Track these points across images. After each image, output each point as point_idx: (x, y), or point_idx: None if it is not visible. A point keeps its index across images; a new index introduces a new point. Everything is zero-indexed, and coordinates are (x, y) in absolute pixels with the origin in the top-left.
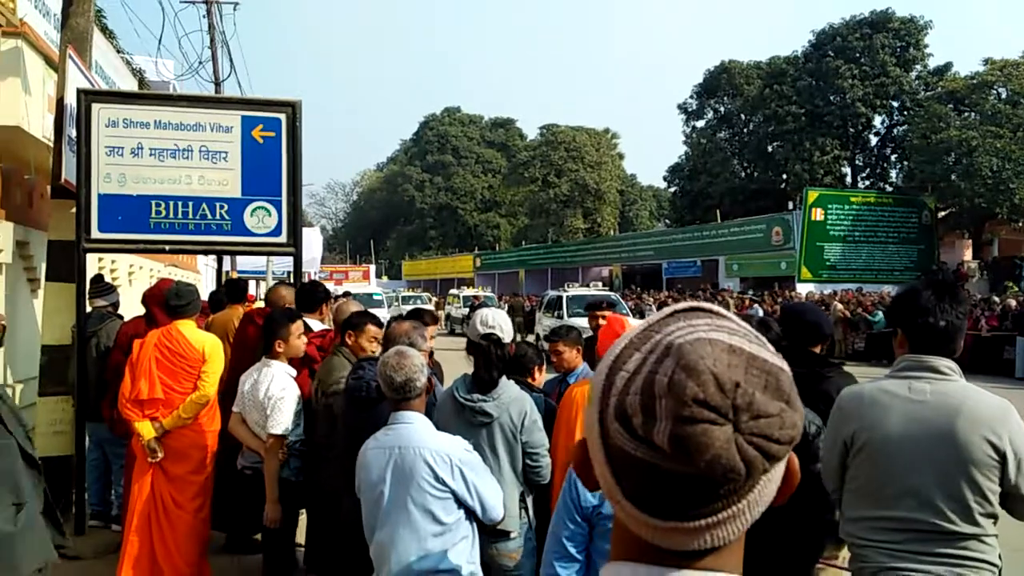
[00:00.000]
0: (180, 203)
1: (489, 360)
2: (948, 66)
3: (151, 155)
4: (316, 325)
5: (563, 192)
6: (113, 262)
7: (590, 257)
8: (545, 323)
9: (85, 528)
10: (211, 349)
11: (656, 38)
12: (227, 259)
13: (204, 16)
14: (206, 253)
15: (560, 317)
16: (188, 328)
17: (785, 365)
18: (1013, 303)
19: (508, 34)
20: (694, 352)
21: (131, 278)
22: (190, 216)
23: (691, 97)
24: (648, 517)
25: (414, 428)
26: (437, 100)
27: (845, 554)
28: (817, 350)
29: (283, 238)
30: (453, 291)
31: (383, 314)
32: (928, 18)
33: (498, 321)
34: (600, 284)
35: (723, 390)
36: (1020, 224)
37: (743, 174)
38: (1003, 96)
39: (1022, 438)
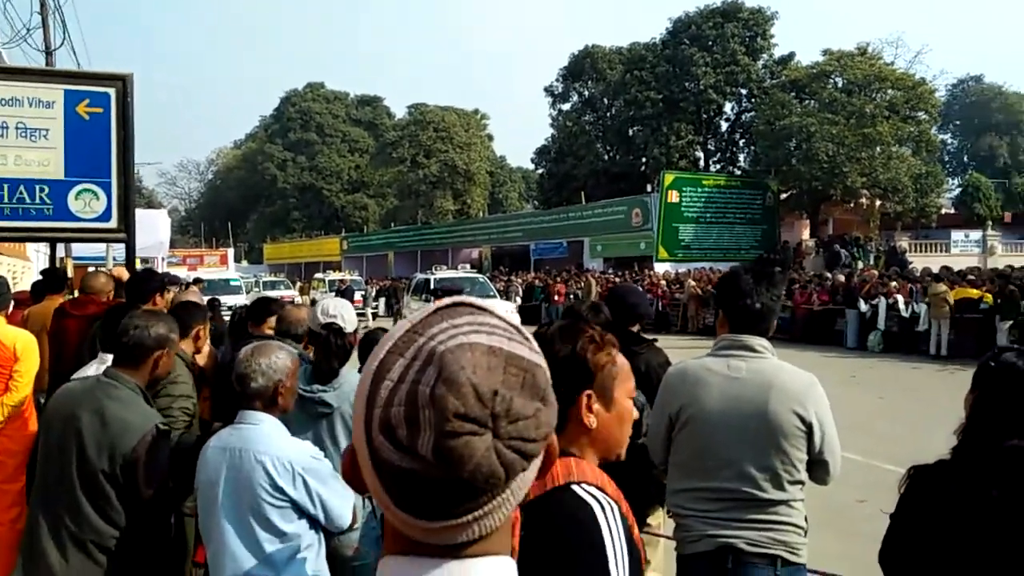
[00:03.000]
0: None
1: (329, 350)
2: (791, 56)
3: None
4: None
5: (432, 173)
6: None
7: (460, 239)
8: (413, 306)
9: None
10: (23, 347)
11: (524, 19)
12: (60, 244)
13: None
14: (25, 240)
15: (428, 300)
16: None
17: (542, 360)
18: (842, 278)
19: (374, 8)
20: (455, 362)
21: None
22: (5, 200)
23: (557, 80)
24: (417, 520)
25: (259, 431)
26: (298, 75)
27: (660, 519)
28: (635, 328)
29: (113, 223)
30: (318, 275)
31: (240, 301)
32: (774, 9)
33: (339, 311)
34: (468, 266)
35: (482, 400)
36: (852, 206)
37: (606, 157)
38: (839, 85)
39: (825, 409)
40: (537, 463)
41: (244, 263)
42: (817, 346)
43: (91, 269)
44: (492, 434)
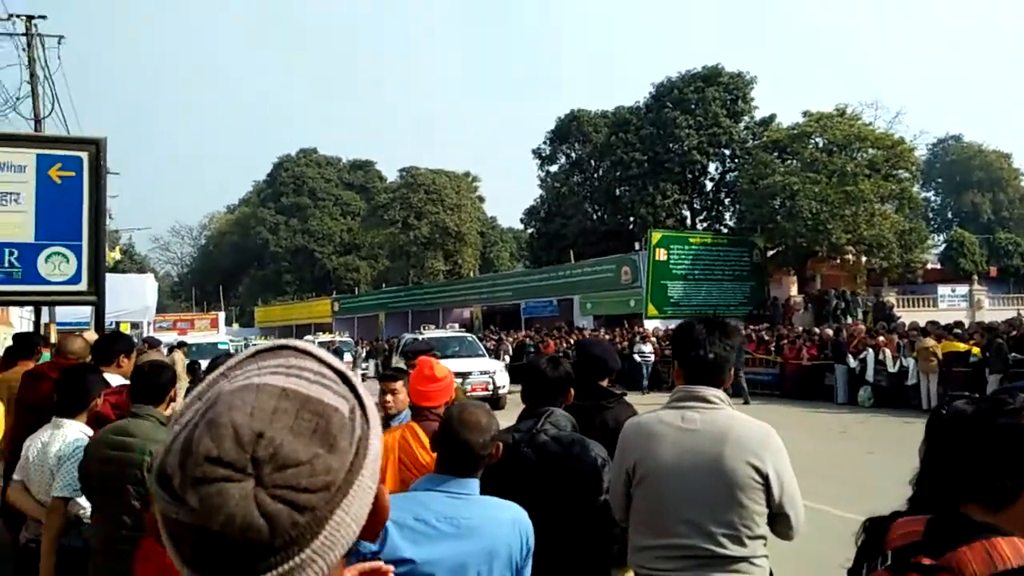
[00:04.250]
0: None
1: None
2: (772, 117)
3: None
4: (115, 380)
5: (423, 234)
6: None
7: (451, 299)
8: (401, 366)
9: None
10: None
11: (511, 83)
12: (44, 309)
13: (24, 49)
14: None
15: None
16: None
17: (343, 405)
18: (830, 332)
19: (363, 76)
20: (227, 402)
21: None
22: None
23: (544, 143)
24: None
25: None
26: (290, 142)
27: None
28: (604, 383)
29: (83, 285)
30: (308, 337)
31: None
32: (754, 73)
33: None
34: (457, 326)
35: (241, 444)
36: (838, 261)
37: (594, 216)
38: (820, 145)
39: (783, 459)
40: (359, 511)
41: (235, 326)
42: (807, 401)
43: (76, 333)
44: (254, 481)
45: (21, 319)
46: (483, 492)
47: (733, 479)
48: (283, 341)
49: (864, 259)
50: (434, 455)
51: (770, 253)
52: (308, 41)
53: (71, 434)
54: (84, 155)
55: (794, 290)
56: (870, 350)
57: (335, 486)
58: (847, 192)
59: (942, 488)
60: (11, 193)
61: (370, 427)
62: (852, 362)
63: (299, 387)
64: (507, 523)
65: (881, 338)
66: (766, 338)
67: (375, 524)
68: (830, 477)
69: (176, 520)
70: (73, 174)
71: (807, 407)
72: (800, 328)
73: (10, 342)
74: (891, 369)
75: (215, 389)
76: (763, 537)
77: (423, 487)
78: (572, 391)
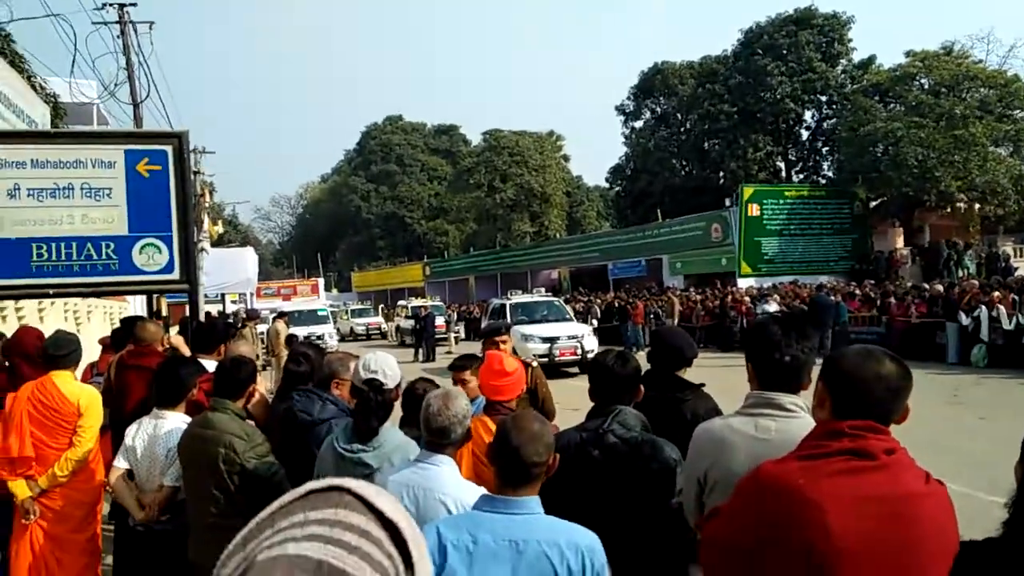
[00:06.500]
0: (63, 244)
1: (368, 407)
2: (872, 59)
3: (29, 195)
4: (212, 366)
5: (509, 197)
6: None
7: (538, 261)
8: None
9: None
10: (87, 402)
11: (592, 41)
12: None
13: (118, 37)
14: (93, 295)
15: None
16: (63, 380)
17: (382, 561)
18: (940, 288)
19: (446, 41)
20: None
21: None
22: (74, 257)
23: (628, 99)
24: None
25: (439, 472)
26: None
27: None
28: (682, 373)
29: (175, 275)
30: (401, 302)
31: (328, 330)
32: (850, 13)
33: (381, 366)
34: (543, 290)
35: None
36: (948, 211)
37: (682, 172)
38: (925, 87)
39: None
40: None
41: (334, 291)
42: (917, 361)
43: (168, 307)
44: None
45: (133, 296)
46: (549, 494)
47: None
48: (338, 482)
49: (977, 207)
50: None
51: (873, 204)
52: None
53: (175, 425)
54: (168, 148)
55: (900, 242)
56: (983, 307)
57: None
58: (956, 136)
59: None
60: (104, 188)
61: None
62: (965, 319)
63: (336, 560)
64: (568, 546)
65: (996, 293)
66: (871, 295)
67: None
68: (939, 447)
69: None
70: (160, 168)
71: (917, 367)
72: (908, 283)
73: (125, 318)
74: (1007, 326)
75: (254, 545)
76: None
77: (481, 506)
78: (641, 388)
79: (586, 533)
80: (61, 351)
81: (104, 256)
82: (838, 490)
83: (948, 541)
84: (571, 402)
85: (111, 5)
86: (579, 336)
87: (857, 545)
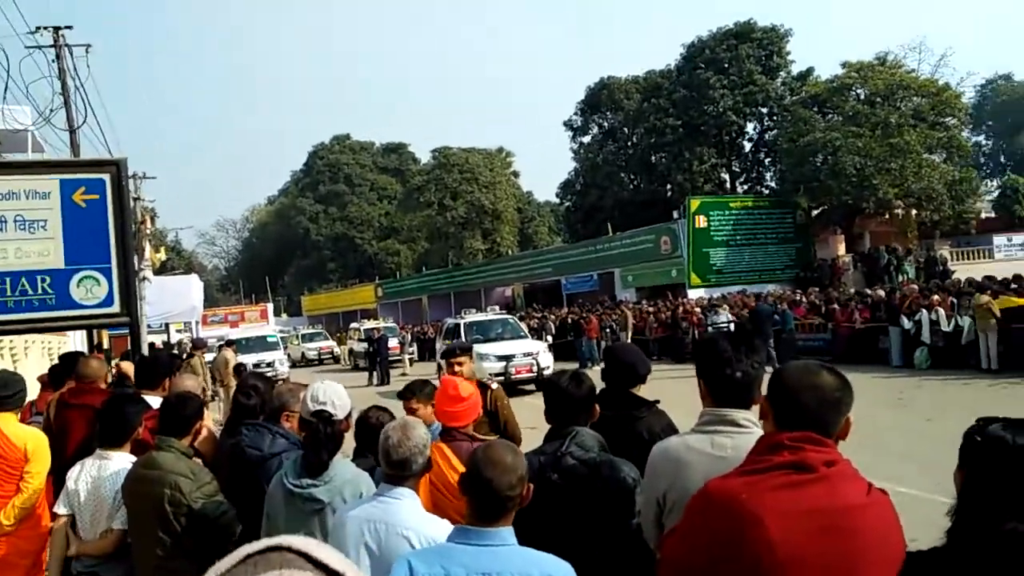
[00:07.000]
0: None
1: (317, 440)
2: (810, 71)
3: None
4: (157, 402)
5: (460, 214)
6: None
7: (491, 278)
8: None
9: None
10: (34, 446)
11: (538, 57)
12: None
13: (53, 61)
14: (29, 332)
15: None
16: (8, 423)
17: None
18: (882, 294)
19: (394, 59)
20: None
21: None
22: (8, 293)
23: (576, 114)
24: None
25: (401, 506)
26: (324, 129)
27: None
28: (637, 390)
29: (116, 307)
30: (354, 325)
31: (278, 357)
32: (788, 26)
33: (330, 396)
34: (498, 308)
35: None
36: (886, 217)
37: (631, 186)
38: (861, 97)
39: None
40: None
41: (284, 316)
42: (862, 365)
43: (109, 339)
44: None
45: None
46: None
47: None
48: (278, 540)
49: (914, 213)
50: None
51: (815, 213)
52: (333, 28)
53: (121, 466)
54: (106, 176)
55: (842, 249)
56: (924, 310)
57: None
58: (892, 144)
59: (985, 519)
60: (39, 220)
61: None
62: (906, 323)
63: None
64: None
65: (936, 297)
66: (816, 302)
67: None
68: (889, 451)
69: None
70: (97, 197)
71: (862, 372)
72: (852, 289)
73: (72, 348)
74: (946, 328)
75: None
76: None
77: (455, 538)
78: (597, 408)
79: (559, 564)
80: (7, 392)
81: (40, 291)
82: (780, 504)
83: (892, 551)
84: (528, 421)
85: (46, 28)
86: (534, 353)
87: (800, 558)
